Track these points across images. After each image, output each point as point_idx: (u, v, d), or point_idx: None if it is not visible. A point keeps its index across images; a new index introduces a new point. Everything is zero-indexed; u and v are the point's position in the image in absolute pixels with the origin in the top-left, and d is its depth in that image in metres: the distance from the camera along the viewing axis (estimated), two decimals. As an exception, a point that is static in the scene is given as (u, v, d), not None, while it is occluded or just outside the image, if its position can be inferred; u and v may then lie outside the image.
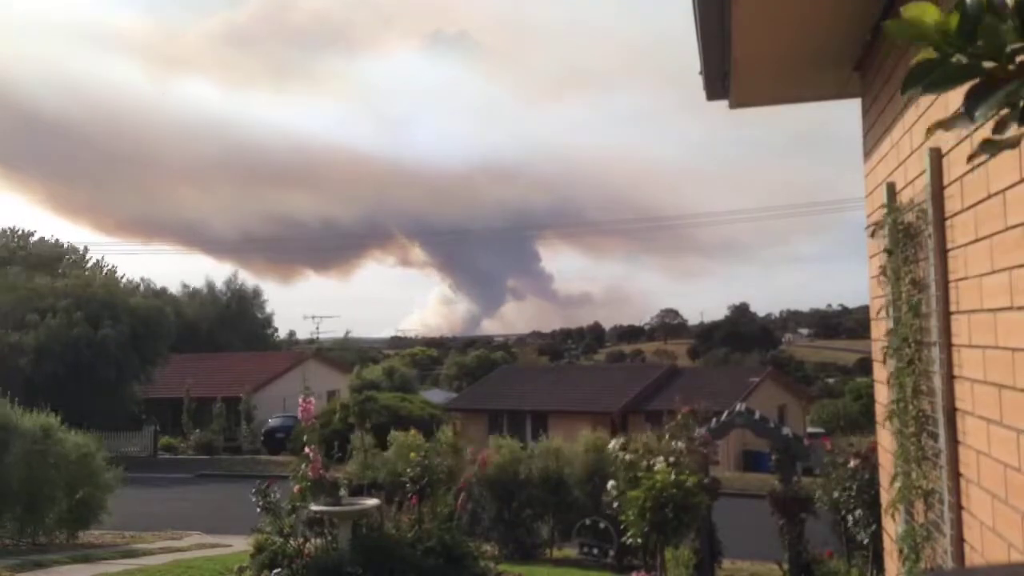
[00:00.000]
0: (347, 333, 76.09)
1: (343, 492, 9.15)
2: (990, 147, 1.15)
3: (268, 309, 63.40)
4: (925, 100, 3.55)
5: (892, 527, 4.64)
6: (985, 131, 1.20)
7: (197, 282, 61.43)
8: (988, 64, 1.07)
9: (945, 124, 1.22)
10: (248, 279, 65.77)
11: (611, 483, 10.03)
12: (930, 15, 1.10)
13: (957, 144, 3.13)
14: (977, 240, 2.94)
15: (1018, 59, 1.05)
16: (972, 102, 1.09)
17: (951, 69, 1.10)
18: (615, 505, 9.77)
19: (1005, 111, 1.08)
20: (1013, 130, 1.10)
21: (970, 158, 1.24)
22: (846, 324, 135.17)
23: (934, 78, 1.11)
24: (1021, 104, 1.05)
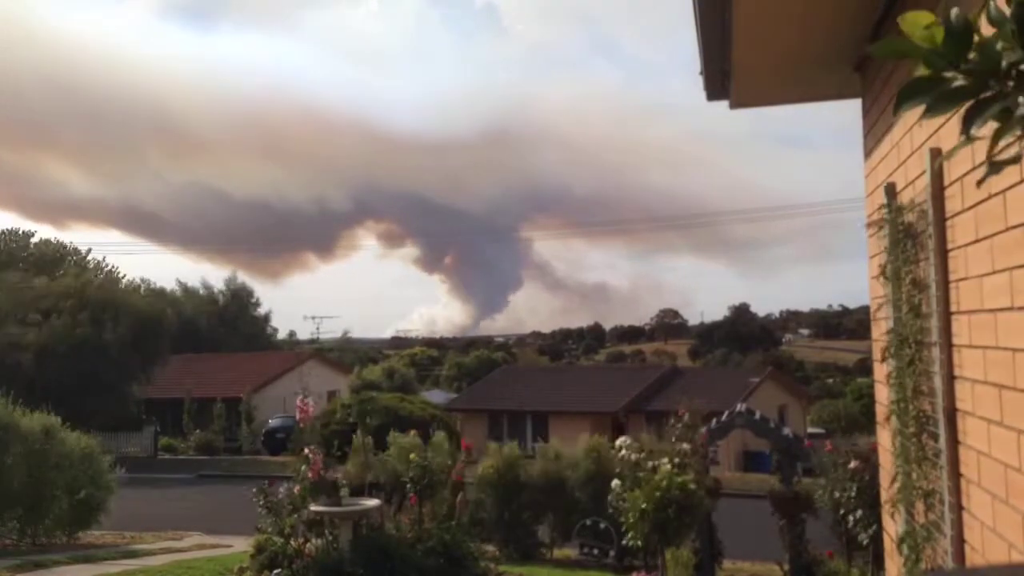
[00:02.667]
0: (346, 333, 76.07)
1: (343, 492, 9.16)
2: (995, 167, 1.15)
3: (266, 308, 63.52)
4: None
5: (892, 527, 4.64)
6: (986, 131, 1.20)
7: (193, 280, 61.61)
8: (985, 81, 1.07)
9: (948, 155, 1.22)
10: (240, 278, 64.99)
11: (615, 482, 10.03)
12: (921, 29, 1.09)
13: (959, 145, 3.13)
14: (978, 240, 2.94)
15: (1015, 71, 1.04)
16: (968, 120, 1.08)
17: (948, 89, 1.09)
18: (617, 504, 9.77)
19: (999, 125, 1.07)
20: (1012, 143, 1.09)
21: (979, 183, 1.25)
22: (846, 324, 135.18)
23: (934, 100, 1.10)
24: (1018, 114, 1.05)
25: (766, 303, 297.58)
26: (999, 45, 1.05)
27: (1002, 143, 1.10)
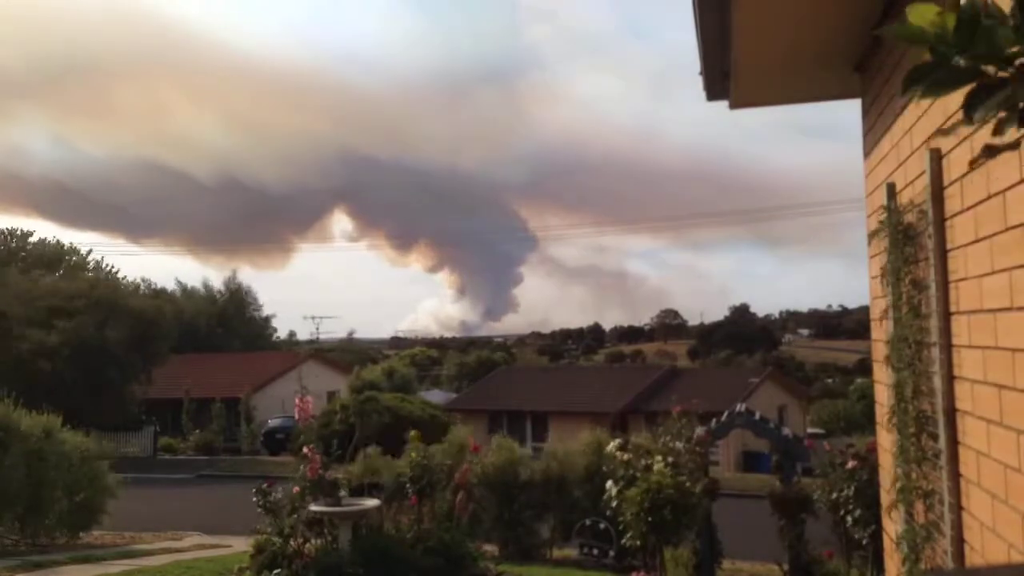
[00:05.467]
0: (351, 333, 76.40)
1: (343, 492, 9.16)
2: (991, 152, 1.16)
3: (266, 308, 63.53)
4: (924, 100, 3.54)
5: (892, 527, 4.64)
6: (985, 132, 1.20)
7: (191, 280, 61.66)
8: (987, 67, 1.07)
9: (945, 131, 1.22)
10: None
11: (609, 483, 10.03)
12: (931, 16, 1.10)
13: (957, 145, 3.13)
14: (977, 240, 2.94)
15: (1017, 62, 1.05)
16: (971, 105, 1.09)
17: (950, 72, 1.10)
18: (613, 505, 9.76)
19: (1004, 113, 1.08)
20: (1012, 132, 1.10)
21: (972, 163, 1.25)
22: (846, 324, 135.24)
23: (934, 81, 1.11)
24: (1021, 106, 1.05)
25: (766, 303, 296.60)
26: (1002, 32, 1.05)
27: (1007, 135, 1.11)
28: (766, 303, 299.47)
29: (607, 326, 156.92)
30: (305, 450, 9.23)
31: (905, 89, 1.16)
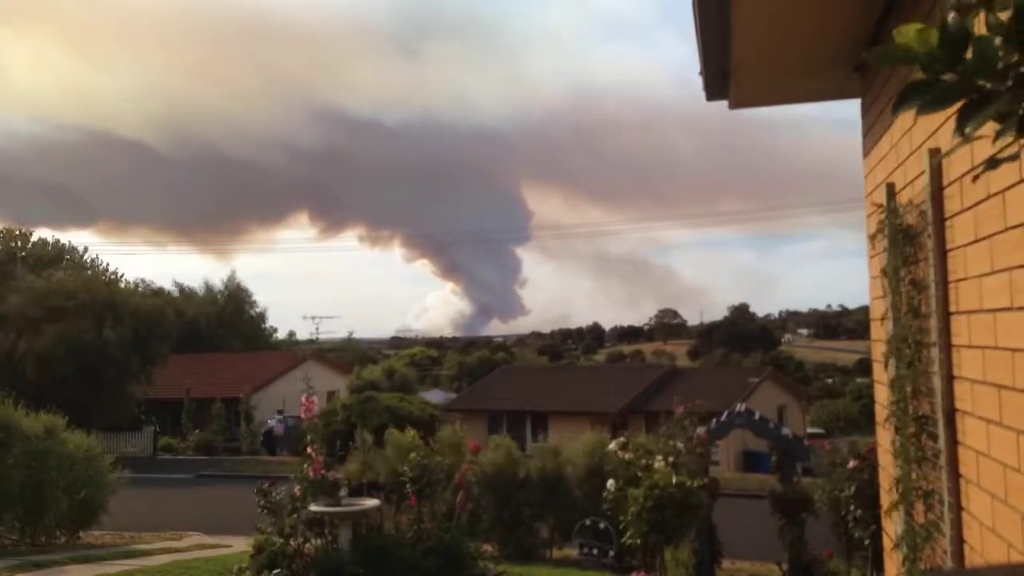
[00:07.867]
0: (350, 334, 76.58)
1: (343, 492, 9.17)
2: (992, 164, 1.16)
3: (263, 308, 63.49)
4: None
5: (892, 527, 4.64)
6: (986, 133, 1.20)
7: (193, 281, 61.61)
8: (982, 82, 1.07)
9: (947, 153, 1.23)
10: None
11: (610, 482, 10.03)
12: (918, 35, 1.09)
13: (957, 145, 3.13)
14: (977, 240, 2.94)
15: (1014, 74, 1.04)
16: (963, 119, 1.09)
17: (943, 89, 1.09)
18: (615, 504, 9.76)
19: (999, 126, 1.07)
20: (1011, 139, 1.09)
21: (975, 179, 1.26)
22: (846, 325, 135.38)
23: (928, 99, 1.11)
24: (1020, 113, 1.05)
25: (765, 303, 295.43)
26: (996, 42, 1.05)
27: (1000, 142, 1.10)
28: (766, 303, 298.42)
29: (633, 322, 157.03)
30: (309, 450, 9.24)
31: (896, 108, 1.16)
